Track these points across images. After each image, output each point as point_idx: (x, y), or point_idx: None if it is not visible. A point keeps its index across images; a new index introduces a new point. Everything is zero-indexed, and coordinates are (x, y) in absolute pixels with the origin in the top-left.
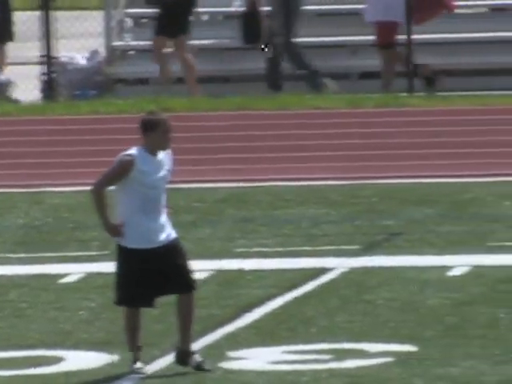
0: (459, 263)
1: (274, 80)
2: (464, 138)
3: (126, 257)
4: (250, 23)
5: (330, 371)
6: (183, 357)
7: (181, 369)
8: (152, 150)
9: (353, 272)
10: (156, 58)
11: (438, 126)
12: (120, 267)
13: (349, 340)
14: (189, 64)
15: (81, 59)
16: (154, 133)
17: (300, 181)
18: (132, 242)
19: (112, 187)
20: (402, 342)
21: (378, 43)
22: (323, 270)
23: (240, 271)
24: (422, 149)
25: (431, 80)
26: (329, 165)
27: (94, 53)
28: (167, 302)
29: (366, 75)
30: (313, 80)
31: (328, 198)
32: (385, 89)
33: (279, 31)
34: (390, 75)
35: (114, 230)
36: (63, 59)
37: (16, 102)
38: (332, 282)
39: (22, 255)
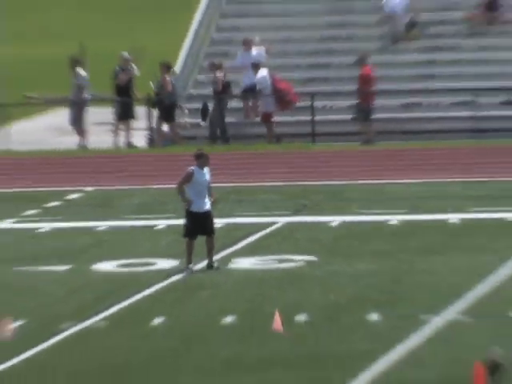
0: None
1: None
2: None
3: (189, 215)
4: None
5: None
6: (208, 264)
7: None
8: (201, 167)
9: None
10: None
11: None
12: (187, 220)
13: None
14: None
15: None
16: (201, 159)
17: None
18: (193, 208)
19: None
20: None
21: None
22: None
23: None
24: None
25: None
26: None
27: None
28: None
29: None
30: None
31: None
32: None
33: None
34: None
35: (187, 203)
36: None
37: None
38: None
39: None
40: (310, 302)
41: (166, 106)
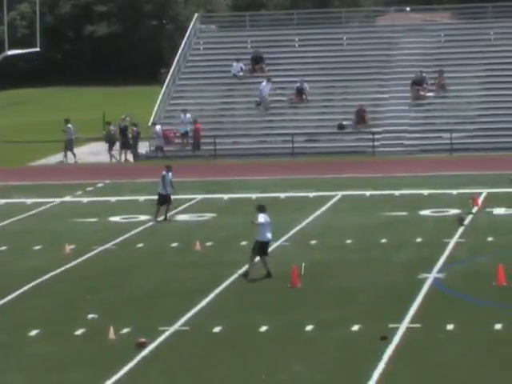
0: None
1: None
2: None
3: (159, 195)
4: None
5: None
6: (164, 217)
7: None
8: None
9: None
10: None
11: None
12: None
13: None
14: None
15: None
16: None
17: None
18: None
19: None
20: None
21: None
22: None
23: None
24: None
25: None
26: None
27: None
28: None
29: None
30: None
31: None
32: None
33: None
34: None
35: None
36: None
37: None
38: None
39: None
40: None
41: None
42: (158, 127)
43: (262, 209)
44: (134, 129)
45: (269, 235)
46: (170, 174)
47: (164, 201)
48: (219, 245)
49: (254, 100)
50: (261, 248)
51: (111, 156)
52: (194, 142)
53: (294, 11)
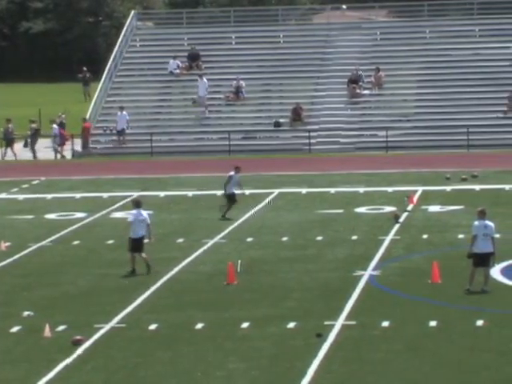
0: None
1: None
2: None
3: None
4: None
5: None
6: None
7: None
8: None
9: None
10: None
11: None
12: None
13: None
14: None
15: None
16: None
17: None
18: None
19: None
20: None
21: None
22: None
23: None
24: None
25: None
26: None
27: None
28: None
29: None
30: None
31: None
32: None
33: None
34: None
35: None
36: None
37: None
38: None
39: None
40: None
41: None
42: (55, 126)
43: (137, 204)
44: (33, 126)
45: (141, 232)
46: (237, 174)
47: (233, 200)
48: (155, 242)
49: (191, 97)
50: (133, 245)
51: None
52: (82, 140)
53: (230, 9)
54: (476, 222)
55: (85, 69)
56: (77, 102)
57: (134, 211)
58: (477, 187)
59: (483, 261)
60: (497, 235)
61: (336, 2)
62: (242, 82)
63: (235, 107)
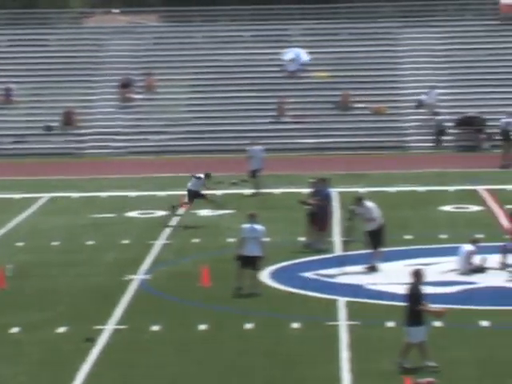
0: None
1: None
2: None
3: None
4: None
5: None
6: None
7: None
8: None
9: None
10: None
11: None
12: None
13: None
14: None
15: None
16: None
17: None
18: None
19: None
20: None
21: None
22: None
23: None
24: None
25: None
26: None
27: None
28: None
29: None
30: None
31: None
32: None
33: None
34: None
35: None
36: None
37: None
38: None
39: None
40: None
41: None
42: None
43: None
44: None
45: None
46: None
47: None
48: None
49: None
50: None
51: None
52: None
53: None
54: (245, 225)
55: None
56: None
57: None
58: (246, 191)
59: (251, 263)
60: (267, 239)
61: (105, 7)
62: (13, 85)
63: (6, 110)
